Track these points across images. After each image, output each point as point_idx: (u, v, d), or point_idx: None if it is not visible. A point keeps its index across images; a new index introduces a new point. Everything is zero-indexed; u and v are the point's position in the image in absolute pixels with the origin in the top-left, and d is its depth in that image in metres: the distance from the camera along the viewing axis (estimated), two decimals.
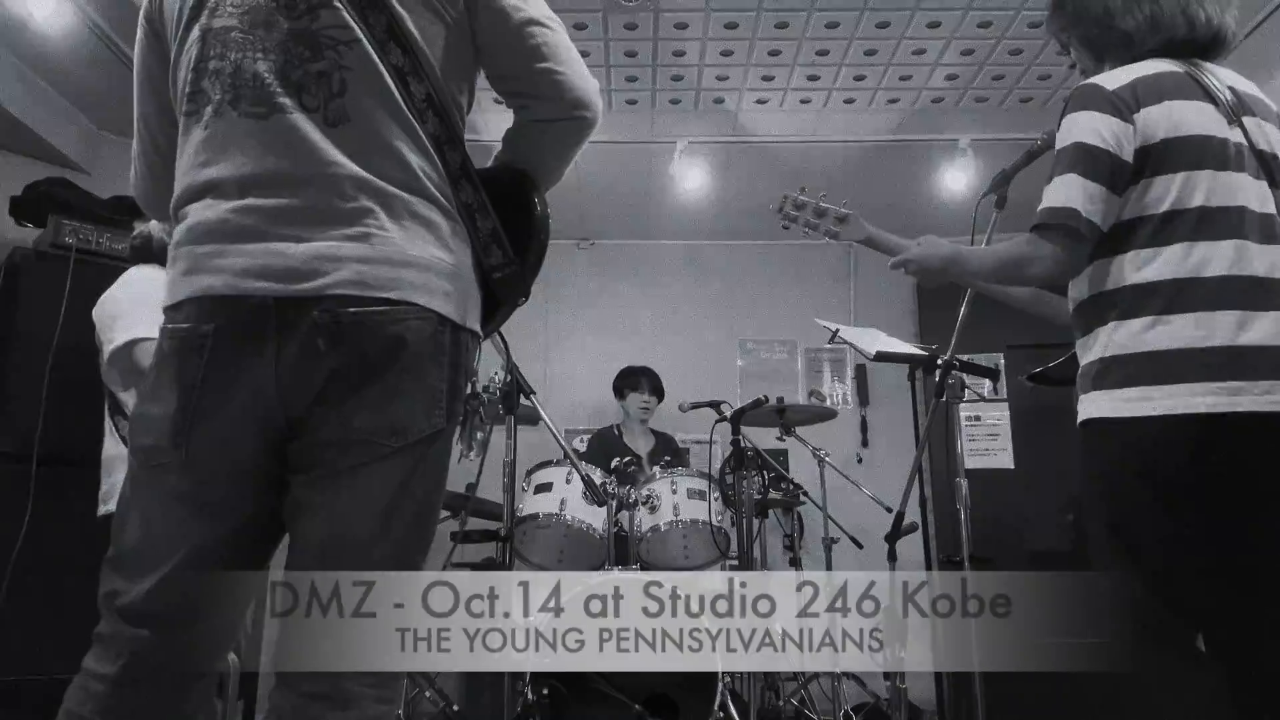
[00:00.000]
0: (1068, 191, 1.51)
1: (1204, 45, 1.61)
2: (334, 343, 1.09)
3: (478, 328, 1.25)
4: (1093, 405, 1.52)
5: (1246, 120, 1.55)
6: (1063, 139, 1.56)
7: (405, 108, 1.18)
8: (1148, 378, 1.45)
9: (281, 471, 1.15)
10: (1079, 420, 1.55)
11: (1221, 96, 1.55)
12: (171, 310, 1.16)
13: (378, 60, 1.16)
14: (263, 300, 1.09)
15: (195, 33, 1.19)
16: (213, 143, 1.15)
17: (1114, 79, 1.56)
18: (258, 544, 1.20)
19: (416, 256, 1.15)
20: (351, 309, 1.10)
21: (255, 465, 1.13)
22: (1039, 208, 1.55)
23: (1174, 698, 1.41)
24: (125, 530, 1.15)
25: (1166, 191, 1.50)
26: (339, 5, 1.16)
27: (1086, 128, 1.52)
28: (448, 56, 1.23)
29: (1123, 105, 1.52)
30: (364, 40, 1.16)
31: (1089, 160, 1.51)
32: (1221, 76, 1.60)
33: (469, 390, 1.21)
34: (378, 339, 1.11)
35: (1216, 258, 1.46)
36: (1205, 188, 1.48)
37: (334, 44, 1.15)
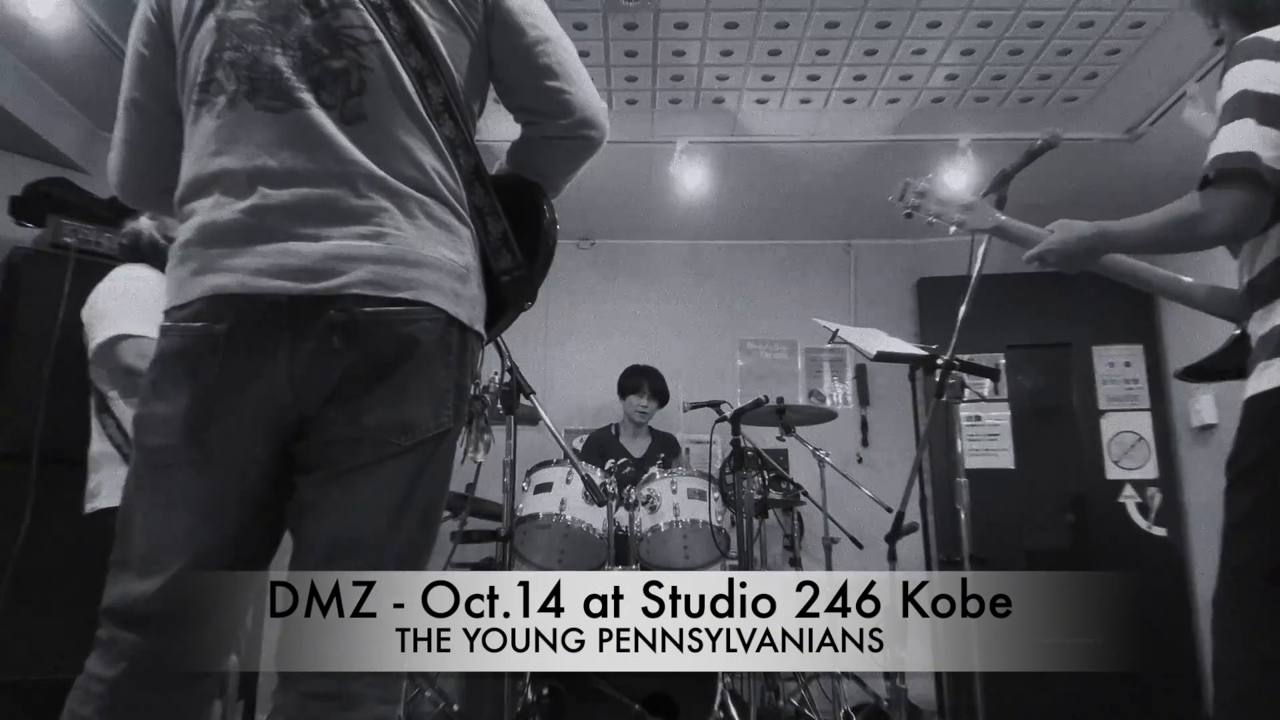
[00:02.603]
0: (1242, 137, 1.42)
1: None
2: (350, 341, 1.09)
3: (482, 330, 1.25)
4: None
5: None
6: (1228, 89, 1.48)
7: (423, 110, 1.18)
8: None
9: (287, 472, 1.14)
10: (1260, 390, 1.44)
11: None
12: (179, 309, 1.13)
13: (397, 61, 1.16)
14: (276, 299, 1.08)
15: (210, 22, 1.18)
16: (224, 133, 1.14)
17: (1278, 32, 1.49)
18: (261, 545, 1.19)
19: (430, 257, 1.15)
20: (367, 308, 1.09)
21: (264, 466, 1.13)
22: (1207, 159, 1.46)
23: None
24: (131, 532, 1.13)
25: None
26: (361, 5, 1.16)
27: (1256, 75, 1.45)
28: (465, 63, 1.24)
29: None
30: (384, 41, 1.16)
31: (1263, 106, 1.43)
32: None
33: (474, 392, 1.22)
34: (393, 339, 1.11)
35: None
36: None
37: (355, 43, 1.16)
